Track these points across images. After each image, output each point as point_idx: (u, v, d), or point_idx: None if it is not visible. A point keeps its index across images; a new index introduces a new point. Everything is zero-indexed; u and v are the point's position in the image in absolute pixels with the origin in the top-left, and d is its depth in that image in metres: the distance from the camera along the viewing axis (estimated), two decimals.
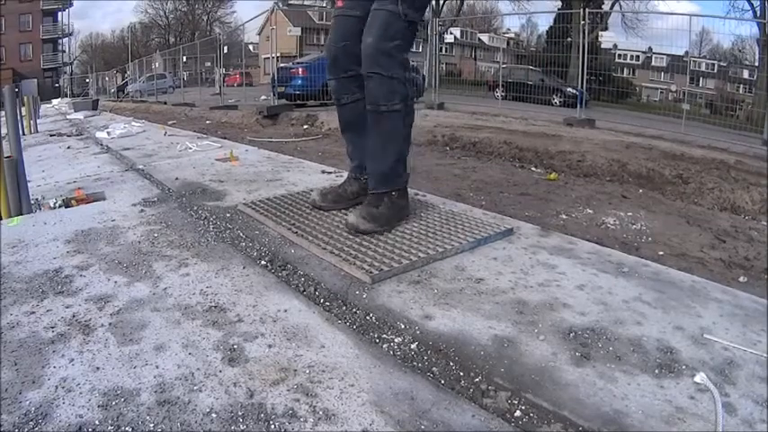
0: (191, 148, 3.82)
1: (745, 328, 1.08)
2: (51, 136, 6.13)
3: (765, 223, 3.13)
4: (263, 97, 10.63)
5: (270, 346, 1.02)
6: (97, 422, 0.80)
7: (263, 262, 1.47)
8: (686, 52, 8.51)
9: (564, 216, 2.82)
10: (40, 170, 3.23)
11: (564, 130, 5.81)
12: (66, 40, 38.86)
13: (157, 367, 0.95)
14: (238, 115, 8.75)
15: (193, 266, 1.42)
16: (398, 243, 1.52)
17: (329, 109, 8.18)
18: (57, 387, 0.88)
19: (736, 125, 7.39)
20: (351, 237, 1.57)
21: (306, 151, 4.87)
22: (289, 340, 1.05)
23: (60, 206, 2.16)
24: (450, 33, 12.78)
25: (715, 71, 11.94)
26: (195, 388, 0.89)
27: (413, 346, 1.05)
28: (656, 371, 0.94)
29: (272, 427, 0.80)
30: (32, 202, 2.16)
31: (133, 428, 0.79)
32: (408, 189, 1.78)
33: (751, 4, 16.85)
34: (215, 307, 1.19)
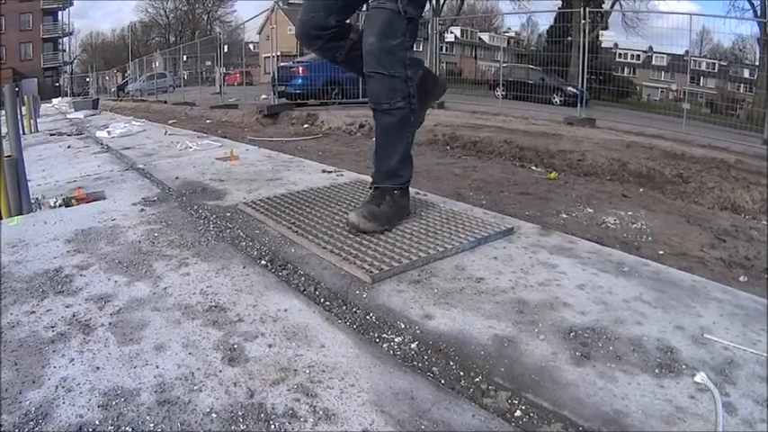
0: (191, 148, 3.82)
1: (745, 328, 1.08)
2: (51, 135, 6.13)
3: (766, 223, 3.13)
4: (263, 96, 10.63)
5: (270, 346, 1.02)
6: (97, 422, 0.80)
7: (263, 261, 1.47)
8: (687, 51, 8.50)
9: (564, 215, 2.82)
10: (40, 169, 3.23)
11: (564, 130, 5.81)
12: (66, 39, 38.91)
13: (157, 367, 0.95)
14: (238, 114, 8.74)
15: (193, 266, 1.42)
16: (399, 242, 1.52)
17: (329, 108, 8.18)
18: (57, 387, 0.88)
19: (737, 124, 7.38)
20: (351, 236, 1.57)
21: (306, 150, 4.87)
22: (289, 340, 1.05)
23: (60, 205, 2.16)
24: (451, 32, 12.79)
25: (715, 70, 11.93)
26: (195, 388, 0.89)
27: (413, 345, 1.05)
28: (657, 370, 0.94)
29: (273, 427, 0.80)
30: (32, 201, 2.16)
31: (133, 428, 0.79)
32: (409, 188, 1.78)
33: (751, 4, 16.84)
34: (215, 306, 1.19)
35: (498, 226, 1.70)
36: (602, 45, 8.20)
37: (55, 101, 21.38)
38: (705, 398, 0.86)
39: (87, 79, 29.94)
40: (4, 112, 2.40)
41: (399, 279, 1.33)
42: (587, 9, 7.94)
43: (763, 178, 3.73)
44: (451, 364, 0.99)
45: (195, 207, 2.03)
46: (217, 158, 3.19)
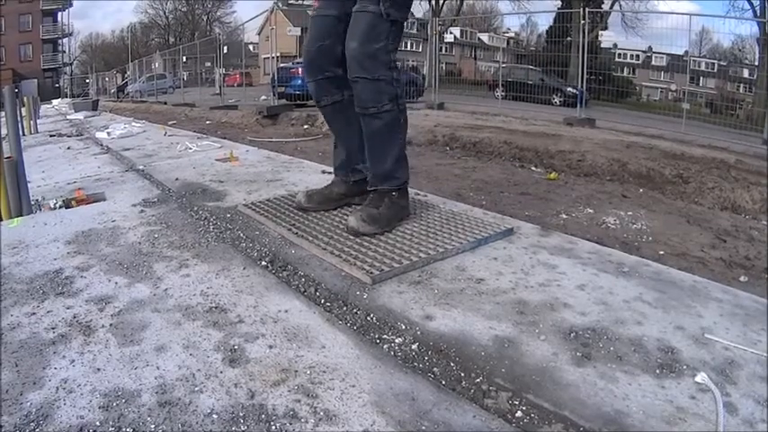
0: (191, 149, 3.82)
1: (745, 328, 1.08)
2: (51, 136, 6.12)
3: (766, 222, 3.13)
4: (262, 97, 10.64)
5: (270, 347, 1.02)
6: (98, 423, 0.80)
7: (263, 263, 1.47)
8: (686, 51, 8.51)
9: (564, 216, 2.82)
10: (40, 171, 3.23)
11: (564, 130, 5.82)
12: (66, 40, 38.91)
13: (158, 368, 0.95)
14: (238, 115, 8.75)
15: (194, 267, 1.42)
16: (399, 243, 1.52)
17: None
18: (57, 388, 0.88)
19: (737, 124, 7.39)
20: (351, 237, 1.57)
21: (306, 151, 4.87)
22: (289, 341, 1.05)
23: (60, 207, 2.16)
24: (450, 33, 12.80)
25: (715, 70, 11.94)
26: (196, 389, 0.89)
27: (413, 346, 1.05)
28: (657, 371, 0.94)
29: (273, 427, 0.80)
30: (33, 202, 2.16)
31: (134, 429, 0.79)
32: (408, 189, 1.78)
33: (751, 4, 16.84)
34: (215, 308, 1.19)
35: (498, 226, 1.70)
36: (602, 45, 8.22)
37: (55, 102, 21.37)
38: (706, 398, 0.86)
39: (87, 80, 29.97)
40: (3, 113, 2.40)
41: (400, 280, 1.33)
42: (587, 9, 7.95)
43: (763, 178, 3.73)
44: (452, 364, 0.99)
45: (195, 208, 2.03)
46: (217, 159, 3.19)
